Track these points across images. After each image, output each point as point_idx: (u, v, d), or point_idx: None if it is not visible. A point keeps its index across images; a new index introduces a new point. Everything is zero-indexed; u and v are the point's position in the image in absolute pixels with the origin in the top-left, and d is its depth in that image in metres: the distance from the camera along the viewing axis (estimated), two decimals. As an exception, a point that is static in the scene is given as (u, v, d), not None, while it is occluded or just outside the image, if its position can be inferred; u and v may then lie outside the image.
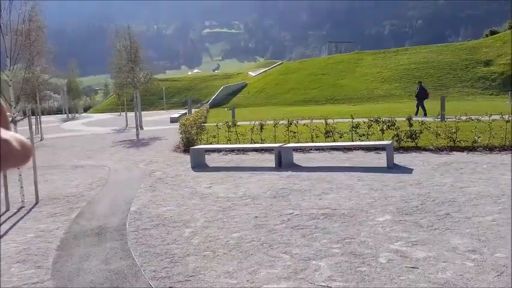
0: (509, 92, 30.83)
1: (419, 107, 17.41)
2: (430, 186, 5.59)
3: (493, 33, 57.70)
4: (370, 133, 9.55)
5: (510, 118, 8.41)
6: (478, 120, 8.62)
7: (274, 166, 7.66)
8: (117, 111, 37.34)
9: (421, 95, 17.66)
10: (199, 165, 7.72)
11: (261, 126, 10.46)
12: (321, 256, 3.49)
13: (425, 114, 16.29)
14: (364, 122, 9.66)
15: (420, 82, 19.07)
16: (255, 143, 10.04)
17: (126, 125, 19.31)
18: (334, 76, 52.19)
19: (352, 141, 9.42)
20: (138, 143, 12.46)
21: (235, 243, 3.74)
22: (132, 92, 18.46)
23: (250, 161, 8.46)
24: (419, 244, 3.70)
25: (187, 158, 8.49)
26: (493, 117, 8.58)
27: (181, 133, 10.39)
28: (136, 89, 17.89)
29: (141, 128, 17.12)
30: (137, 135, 14.33)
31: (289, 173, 7.04)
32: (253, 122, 10.86)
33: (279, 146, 7.92)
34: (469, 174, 6.21)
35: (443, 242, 3.70)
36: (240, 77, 64.41)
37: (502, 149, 7.97)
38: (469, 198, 4.92)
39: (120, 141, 12.76)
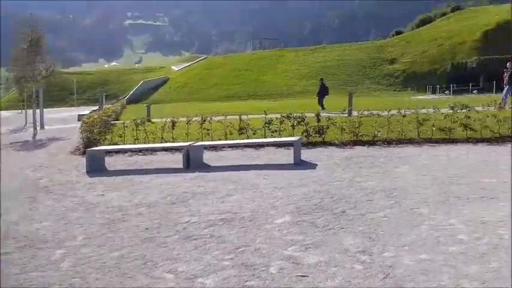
0: (409, 88, 34.07)
1: (320, 103, 18.36)
2: (331, 182, 5.62)
3: (398, 33, 62.67)
4: (282, 129, 9.57)
5: (407, 113, 8.94)
6: (378, 115, 9.03)
7: (182, 167, 7.26)
8: (18, 108, 33.76)
9: (322, 92, 18.65)
10: (96, 169, 7.03)
11: (173, 124, 9.96)
12: (209, 271, 3.20)
13: (322, 108, 17.17)
14: (276, 118, 9.64)
15: (322, 79, 20.09)
16: (165, 142, 9.52)
17: (25, 124, 17.39)
18: (257, 72, 52.79)
19: (265, 137, 9.36)
20: (32, 144, 11.17)
21: (113, 265, 3.30)
22: (32, 86, 16.65)
23: (158, 162, 7.96)
24: (312, 247, 3.59)
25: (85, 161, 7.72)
26: (392, 112, 9.06)
27: (81, 132, 9.48)
28: (37, 82, 16.16)
29: (42, 127, 15.50)
30: (34, 135, 12.89)
31: (196, 174, 6.69)
32: (164, 119, 10.31)
33: (187, 145, 7.52)
34: (367, 168, 6.39)
35: (336, 244, 3.63)
36: (163, 71, 62.34)
37: (399, 142, 8.43)
38: (364, 194, 5.00)
39: (11, 143, 11.33)
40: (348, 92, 18.43)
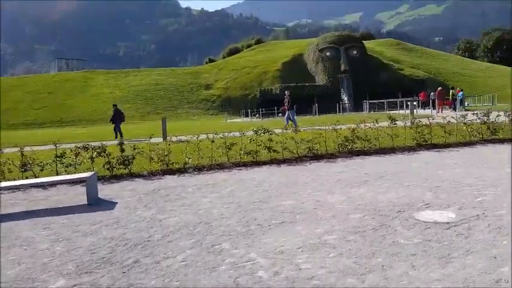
0: (226, 112, 36.18)
1: (118, 131, 17.70)
2: (129, 224, 4.79)
3: (211, 61, 66.62)
4: (79, 162, 8.21)
5: (217, 137, 8.85)
6: (187, 141, 8.69)
7: None
8: None
9: (116, 119, 18.11)
10: None
11: None
12: None
13: (121, 136, 16.55)
14: (71, 150, 8.23)
15: (115, 105, 19.67)
16: None
17: None
18: (63, 95, 47.37)
19: (57, 174, 7.82)
20: None
21: None
22: None
23: None
24: (86, 325, 2.71)
25: None
26: (202, 136, 8.85)
27: None
28: None
29: None
30: None
31: None
32: None
33: None
34: (173, 201, 5.82)
35: (118, 312, 2.84)
36: None
37: (210, 168, 8.22)
38: (165, 234, 4.36)
39: None
40: (166, 116, 17.95)
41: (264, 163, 8.63)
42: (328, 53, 50.04)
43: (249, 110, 44.40)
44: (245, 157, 8.79)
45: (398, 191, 5.53)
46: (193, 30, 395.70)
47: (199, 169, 8.27)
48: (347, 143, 9.22)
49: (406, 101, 17.93)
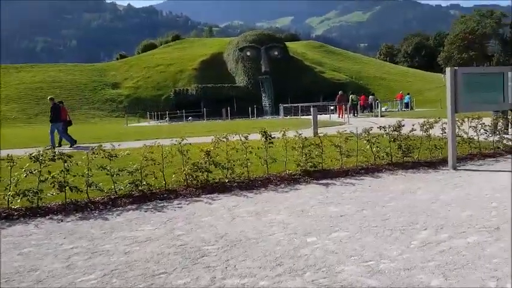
0: (126, 115, 31.28)
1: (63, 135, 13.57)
2: None
3: (122, 57, 60.65)
4: None
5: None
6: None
7: None
8: None
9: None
10: None
11: None
12: None
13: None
14: None
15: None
16: None
17: None
18: None
19: None
20: None
21: None
22: None
23: None
24: None
25: None
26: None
27: None
28: None
29: None
30: None
31: None
32: None
33: None
34: None
35: None
36: None
37: None
38: None
39: None
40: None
41: (49, 211, 5.13)
42: (248, 53, 47.38)
43: (160, 113, 40.06)
44: (18, 200, 5.22)
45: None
46: (119, 27, 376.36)
47: None
48: (198, 173, 6.03)
49: (313, 106, 15.04)
